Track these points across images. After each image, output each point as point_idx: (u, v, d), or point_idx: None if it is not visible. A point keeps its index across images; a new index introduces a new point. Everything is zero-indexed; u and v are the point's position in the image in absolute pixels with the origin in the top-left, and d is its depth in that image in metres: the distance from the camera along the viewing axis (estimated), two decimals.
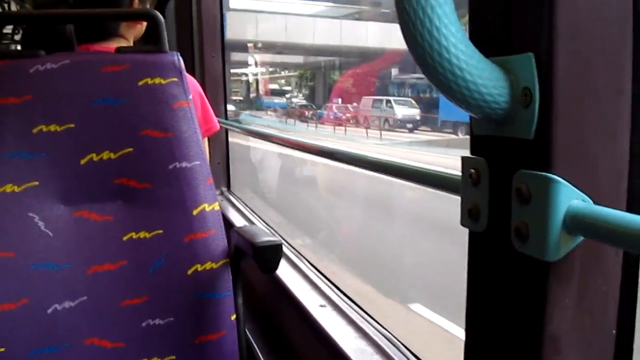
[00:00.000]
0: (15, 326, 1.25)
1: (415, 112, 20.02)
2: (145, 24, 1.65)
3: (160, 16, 1.35)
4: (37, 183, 1.29)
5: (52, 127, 1.30)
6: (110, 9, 1.48)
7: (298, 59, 32.21)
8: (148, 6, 1.68)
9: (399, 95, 22.12)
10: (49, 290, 1.29)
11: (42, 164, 1.30)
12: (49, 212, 1.31)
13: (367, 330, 1.27)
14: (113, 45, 1.55)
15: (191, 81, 1.70)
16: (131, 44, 1.63)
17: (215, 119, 1.76)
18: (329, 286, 1.52)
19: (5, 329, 1.24)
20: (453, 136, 16.24)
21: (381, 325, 1.29)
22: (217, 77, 2.78)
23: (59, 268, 1.30)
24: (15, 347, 1.25)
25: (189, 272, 1.32)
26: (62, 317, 1.29)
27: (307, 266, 1.67)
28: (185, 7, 2.97)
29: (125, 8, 1.57)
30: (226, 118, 2.85)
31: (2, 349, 1.24)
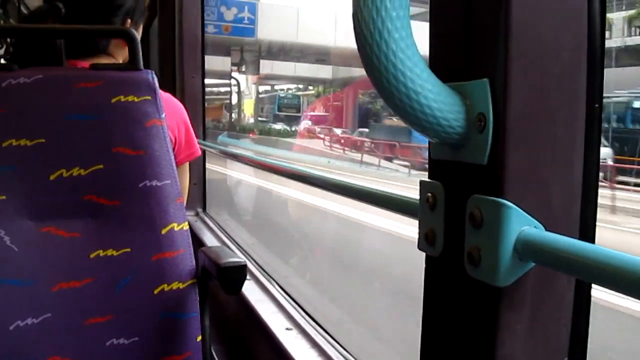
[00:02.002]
0: None
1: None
2: None
3: (135, 33, 1.35)
4: (4, 197, 1.28)
5: (22, 142, 1.29)
6: (86, 25, 1.47)
7: (327, 71, 26.01)
8: (141, 27, 1.67)
9: None
10: (12, 306, 1.27)
11: (10, 178, 1.28)
12: (16, 227, 1.29)
13: (330, 354, 1.26)
14: (99, 62, 1.54)
15: (179, 107, 1.69)
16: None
17: (197, 145, 1.76)
18: (295, 309, 1.52)
19: None
20: None
21: (344, 349, 1.28)
22: (197, 98, 2.79)
23: (23, 284, 1.28)
24: None
25: (156, 291, 1.31)
26: (24, 334, 1.27)
27: (275, 288, 1.66)
28: (168, 27, 2.98)
29: (105, 26, 1.56)
30: (204, 138, 2.85)
31: None
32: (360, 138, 20.04)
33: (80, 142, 1.31)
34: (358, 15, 0.53)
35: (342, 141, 21.08)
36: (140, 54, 1.35)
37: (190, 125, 1.72)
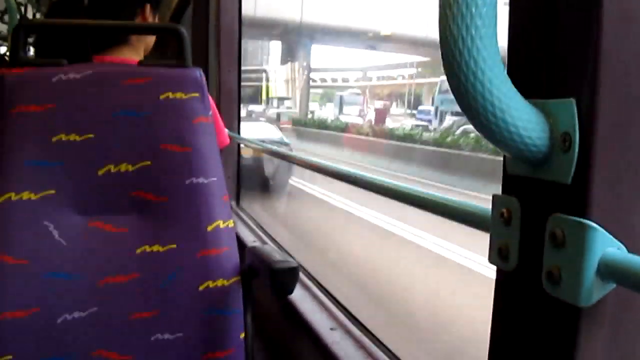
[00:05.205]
0: (24, 334, 1.25)
1: None
2: (154, 37, 1.66)
3: (185, 32, 1.36)
4: (53, 192, 1.29)
5: (72, 137, 1.30)
6: (135, 22, 1.48)
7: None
8: (156, 18, 1.68)
9: None
10: (60, 299, 1.29)
11: (60, 173, 1.30)
12: (64, 221, 1.31)
13: (377, 356, 1.26)
14: (124, 53, 1.55)
15: None
16: (141, 55, 1.63)
17: (226, 133, 1.77)
18: (339, 309, 1.52)
19: (15, 336, 1.24)
20: None
21: (390, 352, 1.28)
22: (232, 92, 2.79)
23: (71, 278, 1.30)
24: (22, 356, 1.25)
25: (201, 288, 1.32)
26: (71, 327, 1.29)
27: (317, 287, 1.66)
28: (203, 20, 2.98)
29: (150, 23, 1.57)
30: (239, 133, 2.85)
31: (10, 357, 1.23)
32: None
33: (128, 138, 1.33)
34: (446, 31, 0.53)
35: None
36: (190, 51, 1.35)
37: (217, 113, 1.73)
